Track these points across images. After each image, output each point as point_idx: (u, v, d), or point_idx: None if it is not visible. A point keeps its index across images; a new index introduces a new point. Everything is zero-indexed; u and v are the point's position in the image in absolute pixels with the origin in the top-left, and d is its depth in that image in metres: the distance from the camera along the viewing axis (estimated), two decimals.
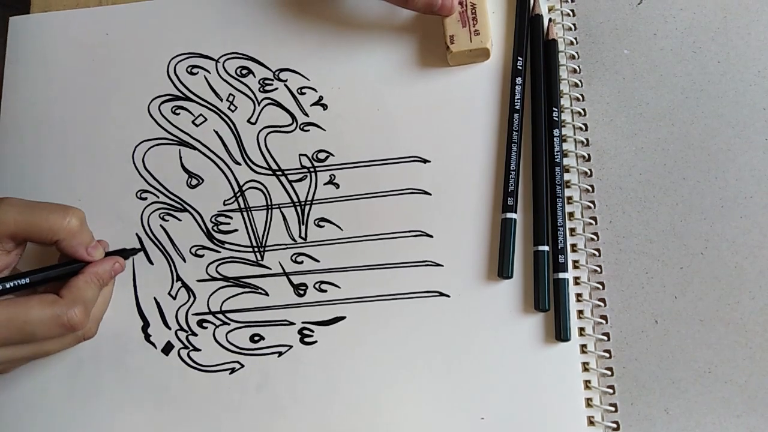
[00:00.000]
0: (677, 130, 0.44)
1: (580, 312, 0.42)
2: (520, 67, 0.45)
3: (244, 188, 0.47)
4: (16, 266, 0.42)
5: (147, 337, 0.45)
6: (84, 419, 0.43)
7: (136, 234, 0.47)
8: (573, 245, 0.43)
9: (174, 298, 0.45)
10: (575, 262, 0.42)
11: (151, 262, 0.46)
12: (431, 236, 0.44)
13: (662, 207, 0.43)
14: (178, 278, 0.46)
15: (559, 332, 0.41)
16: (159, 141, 0.48)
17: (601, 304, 0.42)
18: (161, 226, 0.47)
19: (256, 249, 0.45)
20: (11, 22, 0.52)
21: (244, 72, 0.49)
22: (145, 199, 0.47)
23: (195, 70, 0.49)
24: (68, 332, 0.39)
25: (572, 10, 0.46)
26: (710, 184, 0.43)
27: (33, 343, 0.39)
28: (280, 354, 0.43)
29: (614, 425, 0.40)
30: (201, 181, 0.47)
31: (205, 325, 0.45)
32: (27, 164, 0.49)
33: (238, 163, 0.47)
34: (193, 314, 0.45)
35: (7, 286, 0.39)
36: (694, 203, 0.42)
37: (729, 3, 0.45)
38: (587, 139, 0.44)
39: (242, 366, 0.43)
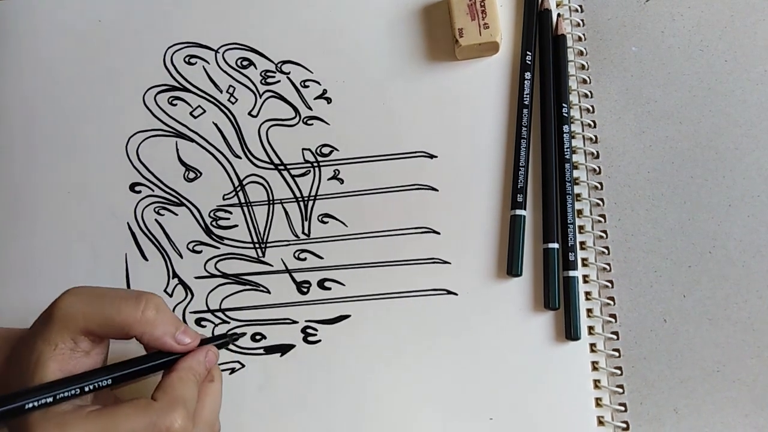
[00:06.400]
0: (685, 128, 0.44)
1: (590, 310, 0.41)
2: (529, 62, 0.44)
3: (244, 182, 0.45)
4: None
5: None
6: None
7: (127, 222, 0.45)
8: (582, 243, 0.42)
9: (170, 296, 0.44)
10: (584, 259, 0.42)
11: (145, 258, 0.45)
12: (438, 233, 0.43)
13: (670, 205, 0.42)
14: (175, 275, 0.44)
15: (570, 331, 0.40)
16: (154, 132, 0.47)
17: (611, 302, 0.41)
18: (156, 220, 0.45)
19: (257, 245, 0.44)
20: None
21: (244, 63, 0.47)
22: (139, 192, 0.46)
23: (193, 60, 0.47)
24: None
25: (580, 6, 0.46)
26: (718, 183, 0.43)
27: None
28: (283, 353, 0.42)
29: (624, 425, 0.39)
30: (199, 174, 0.46)
31: (203, 323, 0.43)
32: (16, 155, 0.47)
33: (239, 157, 0.46)
34: (191, 312, 0.43)
35: (86, 389, 0.32)
36: (701, 202, 0.42)
37: (736, 2, 0.45)
38: (596, 136, 0.44)
39: (243, 366, 0.42)
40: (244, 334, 0.42)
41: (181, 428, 0.31)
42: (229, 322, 0.43)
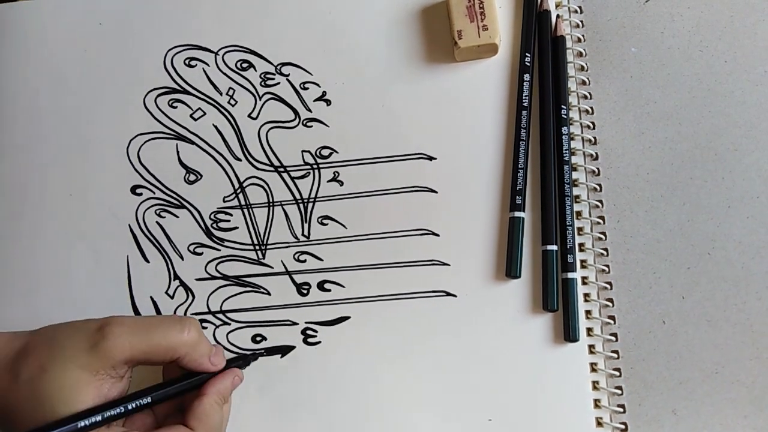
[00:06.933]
0: (684, 129, 0.44)
1: (588, 312, 0.41)
2: (528, 64, 0.44)
3: (244, 184, 0.45)
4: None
5: None
6: None
7: (128, 224, 0.45)
8: (581, 245, 0.42)
9: (172, 298, 0.44)
10: (583, 261, 0.42)
11: (146, 260, 0.45)
12: (437, 235, 0.43)
13: (669, 207, 0.42)
14: (176, 277, 0.44)
15: (568, 333, 0.40)
16: (155, 135, 0.47)
17: (609, 304, 0.41)
18: (157, 222, 0.45)
19: (257, 247, 0.44)
20: None
21: (244, 65, 0.47)
22: (141, 194, 0.46)
23: (193, 63, 0.48)
24: None
25: (579, 7, 0.46)
26: (717, 184, 0.43)
27: None
28: (283, 355, 0.42)
29: (622, 426, 0.39)
30: (199, 176, 0.46)
31: (204, 325, 0.43)
32: (18, 158, 0.47)
33: (239, 159, 0.46)
34: (192, 314, 0.44)
35: (129, 407, 0.34)
36: (701, 203, 0.42)
37: (735, 2, 0.45)
38: (595, 138, 0.44)
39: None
40: (263, 353, 0.42)
41: None
42: (229, 324, 0.43)
